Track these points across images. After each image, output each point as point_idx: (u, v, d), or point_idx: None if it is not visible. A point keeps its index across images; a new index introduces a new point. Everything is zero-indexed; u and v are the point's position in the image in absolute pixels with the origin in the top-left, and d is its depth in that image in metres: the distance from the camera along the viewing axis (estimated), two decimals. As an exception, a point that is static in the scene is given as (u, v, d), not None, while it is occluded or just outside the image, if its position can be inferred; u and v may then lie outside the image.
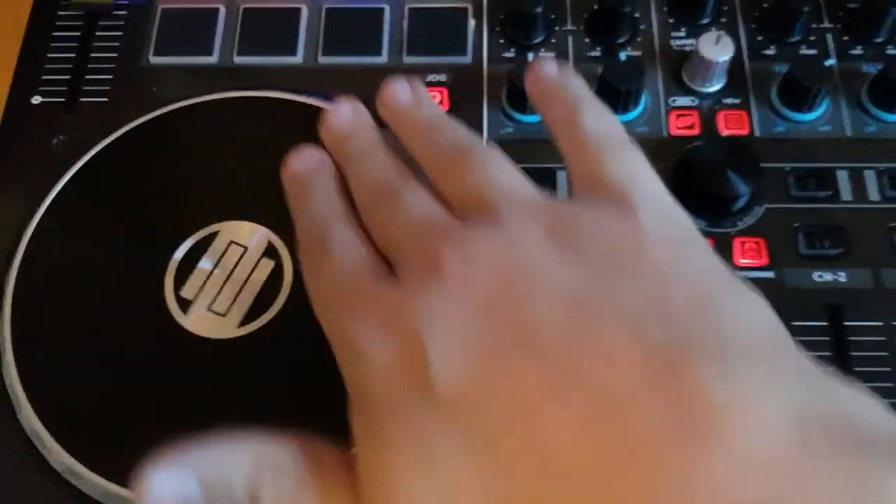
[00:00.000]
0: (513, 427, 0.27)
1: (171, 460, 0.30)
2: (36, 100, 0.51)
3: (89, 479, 0.39)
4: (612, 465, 0.26)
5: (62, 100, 0.51)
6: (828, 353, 0.42)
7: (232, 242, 0.44)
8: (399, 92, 0.42)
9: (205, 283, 0.43)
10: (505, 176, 0.35)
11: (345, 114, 0.42)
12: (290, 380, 0.41)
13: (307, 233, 0.38)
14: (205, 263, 0.43)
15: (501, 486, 0.27)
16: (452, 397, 0.28)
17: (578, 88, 0.39)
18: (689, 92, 0.49)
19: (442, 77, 0.50)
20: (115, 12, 0.53)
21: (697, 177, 0.45)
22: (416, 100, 0.41)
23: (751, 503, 0.24)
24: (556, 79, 0.40)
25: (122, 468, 0.37)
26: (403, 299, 0.31)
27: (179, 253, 0.44)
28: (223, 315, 0.42)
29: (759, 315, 0.30)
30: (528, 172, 0.46)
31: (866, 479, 0.24)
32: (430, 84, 0.50)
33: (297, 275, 0.43)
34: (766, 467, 0.24)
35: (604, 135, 0.36)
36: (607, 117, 0.38)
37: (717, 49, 0.47)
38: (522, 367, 0.28)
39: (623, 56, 0.49)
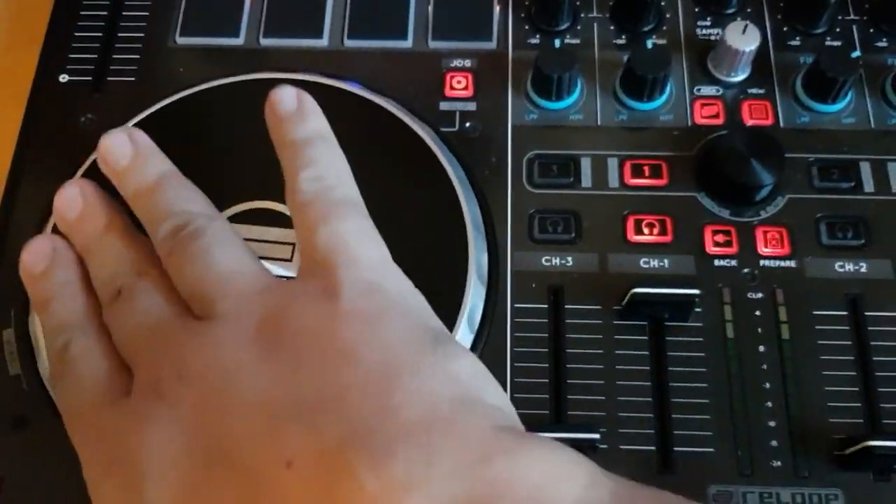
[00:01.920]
0: None
1: None
2: (63, 78, 0.51)
3: None
4: None
5: (89, 78, 0.51)
6: (847, 343, 0.43)
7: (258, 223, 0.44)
8: (117, 146, 0.39)
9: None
10: (226, 261, 0.35)
11: (71, 196, 0.40)
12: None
13: (51, 344, 0.37)
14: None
15: None
16: None
17: (307, 131, 0.38)
18: (713, 81, 0.50)
19: (467, 62, 0.51)
20: (142, -8, 0.54)
21: (721, 166, 0.45)
22: (136, 155, 0.39)
23: None
24: (288, 113, 0.39)
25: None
26: (129, 427, 0.32)
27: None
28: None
29: (441, 384, 0.30)
30: (553, 159, 0.47)
31: None
32: (454, 69, 0.50)
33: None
34: None
35: (319, 195, 0.36)
36: (327, 167, 0.37)
37: (743, 38, 0.48)
38: (221, 488, 0.30)
39: (650, 44, 0.49)
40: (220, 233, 0.36)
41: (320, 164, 0.37)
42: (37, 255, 0.39)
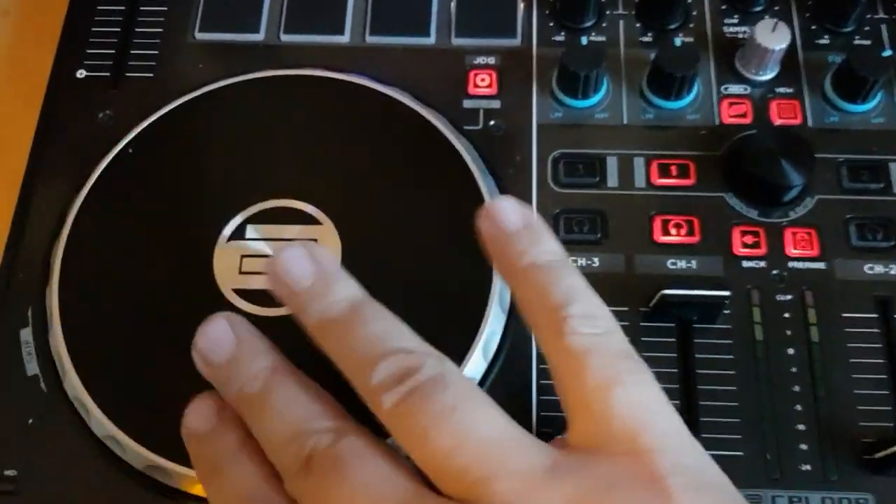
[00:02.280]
0: None
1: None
2: (80, 73, 0.51)
3: (131, 449, 0.39)
4: None
5: (107, 74, 0.50)
6: (878, 345, 0.42)
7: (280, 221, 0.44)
8: (296, 261, 0.32)
9: (253, 259, 0.43)
10: (489, 427, 0.28)
11: (220, 333, 0.33)
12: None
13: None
14: (253, 242, 0.43)
15: None
16: None
17: (551, 254, 0.32)
18: (741, 80, 0.49)
19: (491, 60, 0.50)
20: (161, -14, 0.53)
21: (750, 166, 0.44)
22: (321, 275, 0.32)
23: None
24: (518, 229, 0.32)
25: (163, 440, 0.37)
26: None
27: (228, 230, 0.43)
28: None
29: None
30: (579, 158, 0.46)
31: None
32: (478, 67, 0.50)
33: (346, 252, 0.43)
34: None
35: (600, 344, 0.29)
36: (597, 306, 0.30)
37: (773, 37, 0.47)
38: None
39: (678, 41, 0.49)
40: (465, 383, 0.29)
41: (587, 300, 0.30)
42: (200, 416, 0.33)
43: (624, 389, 0.28)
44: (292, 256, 0.32)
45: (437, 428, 0.27)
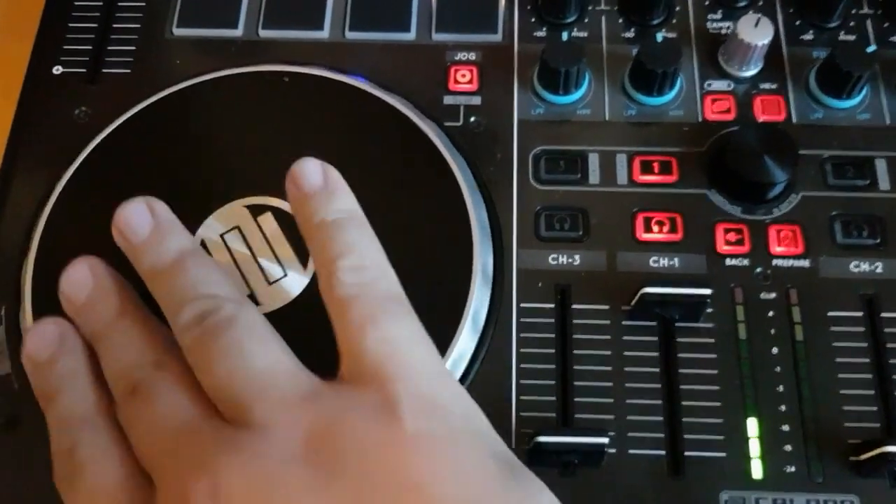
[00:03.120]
0: None
1: None
2: (57, 70, 0.50)
3: None
4: None
5: (84, 70, 0.50)
6: (863, 344, 0.42)
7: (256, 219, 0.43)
8: (135, 216, 0.35)
9: (230, 256, 0.42)
10: (262, 357, 0.31)
11: (80, 276, 0.36)
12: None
13: (57, 443, 0.33)
14: (229, 238, 0.42)
15: None
16: None
17: (338, 211, 0.35)
18: (724, 76, 0.48)
19: (472, 55, 0.49)
20: (138, -19, 0.52)
21: (733, 163, 0.44)
22: (156, 228, 0.36)
23: None
24: (314, 189, 0.35)
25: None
26: None
27: (203, 229, 0.43)
28: (249, 291, 0.41)
29: None
30: (560, 155, 0.46)
31: None
32: (458, 62, 0.49)
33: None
34: None
35: (363, 290, 0.32)
36: (367, 256, 0.34)
37: (756, 32, 0.46)
38: None
39: (660, 37, 0.48)
40: (252, 322, 0.32)
41: (359, 252, 0.33)
42: (42, 340, 0.35)
43: (376, 328, 0.31)
44: (133, 210, 0.36)
45: (219, 361, 0.31)
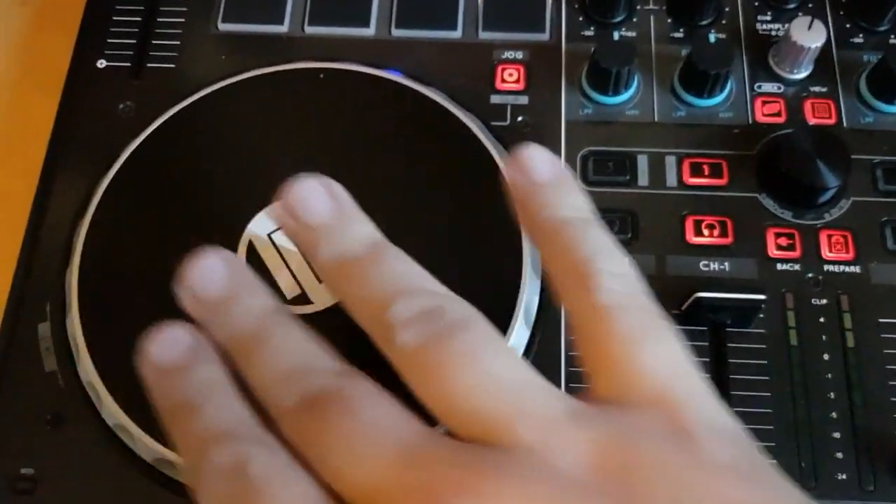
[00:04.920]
0: None
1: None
2: (101, 63, 0.50)
3: (140, 440, 0.38)
4: None
5: (128, 64, 0.49)
6: (914, 353, 0.41)
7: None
8: (314, 196, 0.31)
9: (278, 255, 0.42)
10: (511, 371, 0.26)
11: (213, 268, 0.30)
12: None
13: (203, 458, 0.26)
14: (278, 236, 0.42)
15: None
16: None
17: (581, 210, 0.31)
18: (774, 78, 0.48)
19: (518, 55, 0.49)
20: (184, -25, 0.52)
21: (785, 166, 0.43)
22: (340, 213, 0.31)
23: None
24: (549, 180, 0.31)
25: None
26: None
27: (252, 225, 0.42)
28: (300, 290, 0.41)
29: None
30: (610, 157, 0.45)
31: None
32: (505, 61, 0.49)
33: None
34: None
35: (633, 301, 0.28)
36: (626, 264, 0.29)
37: (809, 34, 0.46)
38: None
39: (712, 38, 0.48)
40: (488, 328, 0.27)
41: (616, 258, 0.29)
42: (174, 346, 0.29)
43: (652, 346, 0.27)
44: (309, 188, 0.31)
45: (457, 368, 0.25)
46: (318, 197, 0.30)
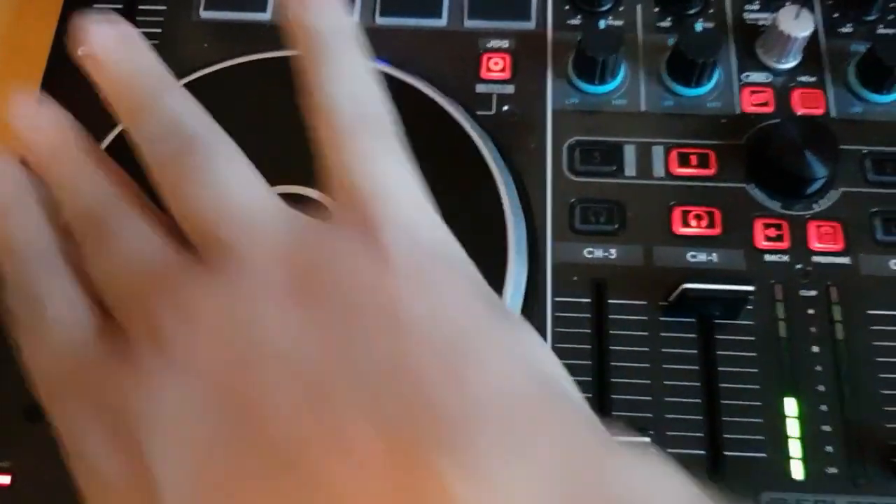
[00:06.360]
0: None
1: None
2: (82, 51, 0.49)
3: None
4: None
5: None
6: (904, 345, 0.41)
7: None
8: (103, 34, 0.32)
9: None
10: (241, 189, 0.28)
11: (28, 108, 0.33)
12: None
13: (11, 287, 0.30)
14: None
15: None
16: None
17: (337, 25, 0.31)
18: (762, 68, 0.47)
19: (504, 43, 0.48)
20: (165, -38, 0.51)
21: (774, 156, 0.43)
22: (122, 43, 0.32)
23: None
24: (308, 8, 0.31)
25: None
26: (124, 389, 0.26)
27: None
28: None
29: (519, 364, 0.26)
30: (595, 146, 0.45)
31: None
32: (491, 50, 0.48)
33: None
34: None
35: (362, 120, 0.29)
36: (368, 83, 0.30)
37: (796, 24, 0.45)
38: (254, 476, 0.24)
39: (699, 27, 0.47)
40: (231, 152, 0.29)
41: (360, 78, 0.30)
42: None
43: (372, 162, 0.28)
44: (102, 28, 0.32)
45: (196, 190, 0.28)
46: (106, 34, 0.32)
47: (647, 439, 0.37)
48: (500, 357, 0.25)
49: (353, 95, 0.29)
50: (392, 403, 0.24)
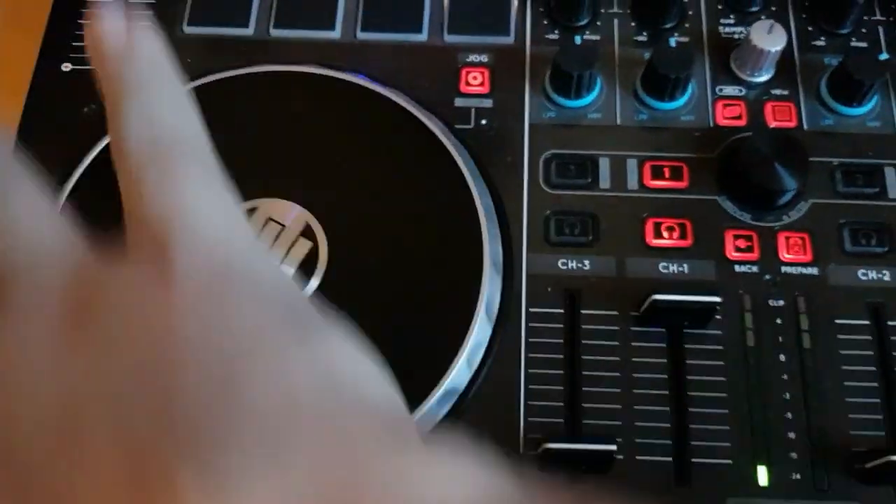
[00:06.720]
0: None
1: None
2: (66, 66, 0.50)
3: None
4: None
5: (93, 67, 0.49)
6: (870, 353, 0.42)
7: (270, 220, 0.43)
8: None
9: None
10: (27, 225, 0.28)
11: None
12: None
13: None
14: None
15: None
16: None
17: (138, 65, 0.31)
18: (736, 81, 0.48)
19: (483, 58, 0.49)
20: (149, -22, 0.52)
21: (744, 169, 0.44)
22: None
23: None
24: (113, 42, 0.31)
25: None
26: None
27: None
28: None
29: (307, 372, 0.25)
30: (571, 159, 0.46)
31: None
32: (470, 64, 0.49)
33: (333, 256, 0.42)
34: None
35: (147, 145, 0.29)
36: (161, 100, 0.30)
37: (769, 38, 0.46)
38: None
39: (673, 42, 0.48)
40: (21, 178, 0.29)
41: (157, 106, 0.30)
42: None
43: (160, 179, 0.28)
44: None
45: None
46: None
47: (614, 447, 0.38)
48: (277, 369, 0.25)
49: (145, 128, 0.29)
50: (144, 423, 0.24)
